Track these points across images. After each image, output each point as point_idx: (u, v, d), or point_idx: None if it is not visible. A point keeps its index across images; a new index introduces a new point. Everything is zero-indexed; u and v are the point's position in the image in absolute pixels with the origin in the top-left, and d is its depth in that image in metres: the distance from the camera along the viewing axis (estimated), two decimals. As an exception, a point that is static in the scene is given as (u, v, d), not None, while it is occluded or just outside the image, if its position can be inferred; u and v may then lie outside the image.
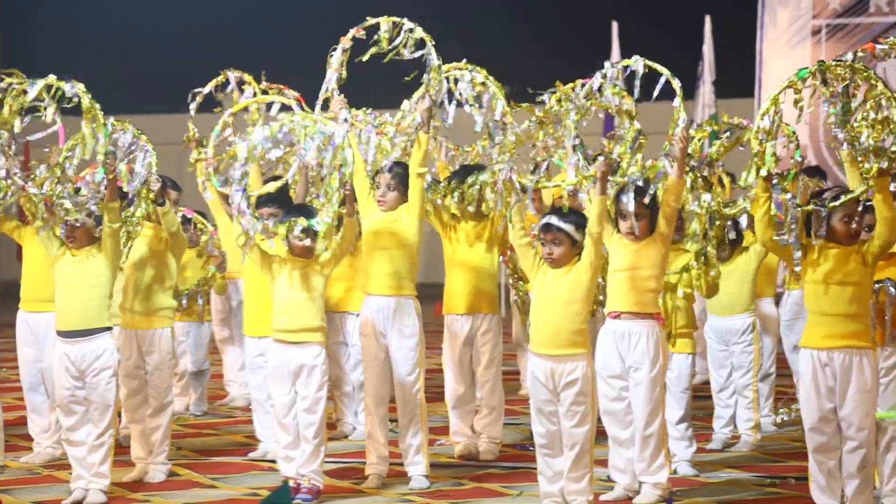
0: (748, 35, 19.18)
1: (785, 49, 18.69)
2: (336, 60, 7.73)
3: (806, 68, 6.60)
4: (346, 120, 7.58)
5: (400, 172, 7.71)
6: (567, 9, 22.26)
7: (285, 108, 8.71)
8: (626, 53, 19.61)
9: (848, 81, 6.48)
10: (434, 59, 7.68)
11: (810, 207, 6.51)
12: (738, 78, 19.67)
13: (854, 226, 6.49)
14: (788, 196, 6.43)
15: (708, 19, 18.51)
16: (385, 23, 7.69)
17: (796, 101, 6.61)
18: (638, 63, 7.26)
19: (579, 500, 6.83)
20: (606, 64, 7.40)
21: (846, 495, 6.52)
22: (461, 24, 22.48)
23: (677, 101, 7.17)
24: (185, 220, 9.28)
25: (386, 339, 7.66)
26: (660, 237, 7.17)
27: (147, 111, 20.84)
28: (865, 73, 6.49)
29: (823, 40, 18.53)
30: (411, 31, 7.70)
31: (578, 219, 6.87)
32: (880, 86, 6.54)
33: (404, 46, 7.69)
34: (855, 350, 6.42)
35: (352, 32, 7.78)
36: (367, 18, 7.73)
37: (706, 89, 18.52)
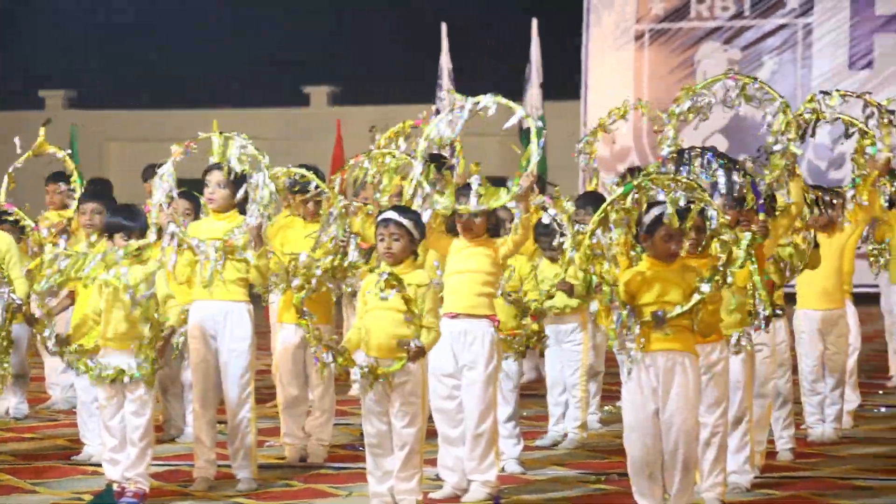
0: (574, 38, 19.48)
1: (609, 52, 19.04)
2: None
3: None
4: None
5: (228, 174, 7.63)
6: (398, 8, 22.33)
7: None
8: (455, 55, 19.76)
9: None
10: None
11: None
12: (564, 80, 19.95)
13: (673, 246, 6.56)
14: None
15: (535, 22, 18.72)
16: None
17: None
18: (487, 100, 7.25)
19: (408, 499, 6.86)
20: (445, 95, 7.40)
21: (668, 493, 6.65)
22: (288, 21, 22.44)
23: (534, 145, 7.11)
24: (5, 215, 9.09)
25: (216, 342, 7.59)
26: (492, 243, 7.27)
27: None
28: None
29: (647, 44, 18.92)
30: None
31: (418, 216, 6.92)
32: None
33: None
34: (678, 352, 6.55)
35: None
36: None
37: (534, 92, 18.72)
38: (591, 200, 9.05)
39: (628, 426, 6.63)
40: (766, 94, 7.42)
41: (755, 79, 7.60)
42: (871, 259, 10.30)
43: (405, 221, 6.86)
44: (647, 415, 6.56)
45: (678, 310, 6.36)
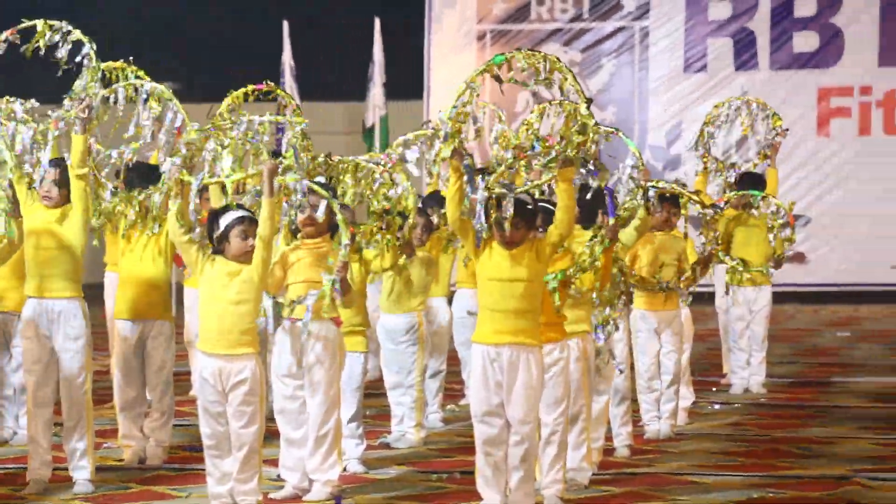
0: (417, 38, 19.53)
1: (451, 53, 19.12)
2: None
3: (502, 55, 6.76)
4: None
5: (63, 170, 7.49)
6: (238, 6, 22.13)
7: None
8: (297, 54, 19.63)
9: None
10: (91, 62, 7.59)
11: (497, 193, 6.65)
12: (407, 80, 20.00)
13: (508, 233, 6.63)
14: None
15: (377, 22, 18.72)
16: (42, 24, 7.59)
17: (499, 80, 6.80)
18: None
19: (248, 500, 6.80)
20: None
21: (510, 487, 6.72)
22: (125, 24, 22.08)
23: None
24: None
25: (51, 341, 7.44)
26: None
27: None
28: (558, 65, 6.70)
29: (488, 45, 19.05)
30: (69, 33, 7.62)
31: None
32: (570, 78, 6.75)
33: (61, 45, 7.60)
34: (522, 347, 6.62)
35: (5, 34, 7.63)
36: (23, 20, 7.63)
37: (377, 91, 18.74)
38: (438, 200, 9.12)
39: (474, 417, 6.70)
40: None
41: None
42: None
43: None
44: (491, 407, 6.63)
45: None
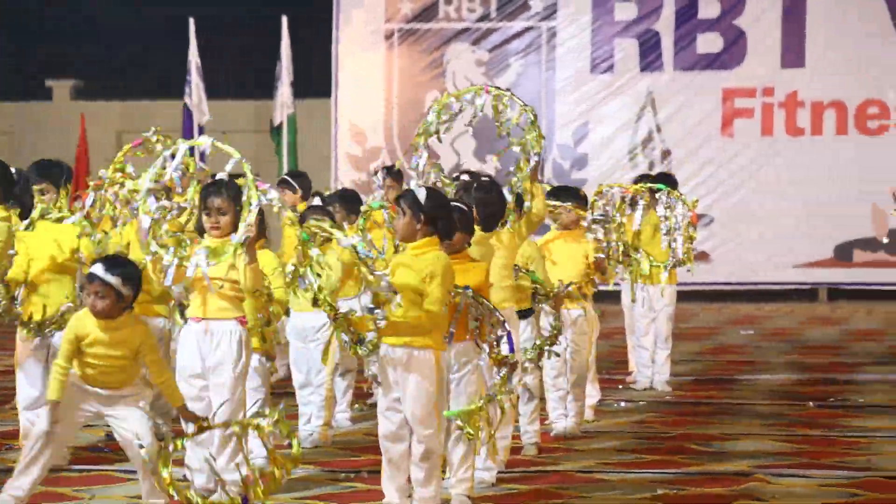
0: (324, 36, 19.48)
1: (360, 51, 19.10)
2: None
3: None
4: None
5: None
6: (145, 3, 21.91)
7: None
8: (203, 52, 19.48)
9: None
10: None
11: None
12: (315, 78, 19.94)
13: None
14: None
15: (285, 19, 18.65)
16: None
17: None
18: (206, 143, 7.16)
19: (156, 501, 6.75)
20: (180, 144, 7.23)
21: (412, 486, 6.73)
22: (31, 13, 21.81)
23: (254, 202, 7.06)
24: None
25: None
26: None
27: None
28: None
29: (396, 44, 19.05)
30: None
31: (129, 270, 6.68)
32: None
33: None
34: (416, 348, 6.64)
35: None
36: None
37: (285, 89, 18.65)
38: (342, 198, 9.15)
39: (379, 412, 6.73)
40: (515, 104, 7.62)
41: (509, 91, 7.86)
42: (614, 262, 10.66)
43: (111, 280, 6.66)
44: (390, 403, 6.65)
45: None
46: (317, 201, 9.44)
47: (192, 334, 7.13)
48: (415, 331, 6.61)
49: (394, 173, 11.19)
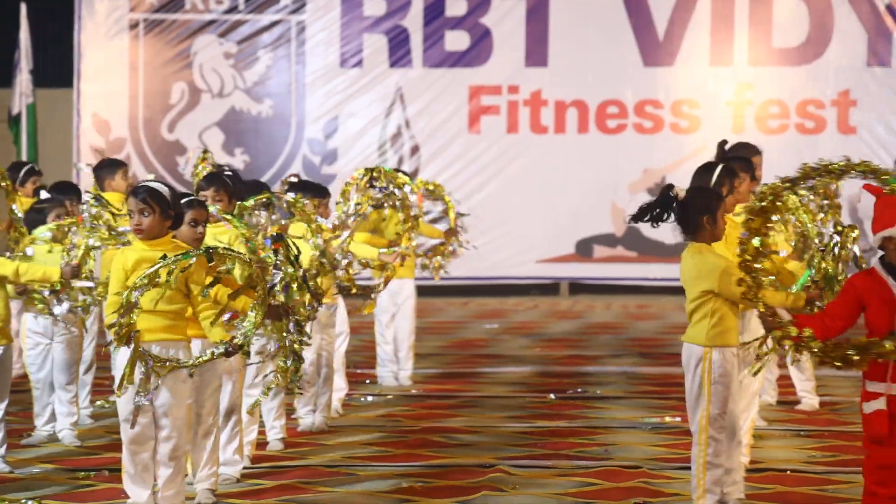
0: (66, 25, 18.99)
1: (103, 41, 18.68)
2: None
3: None
4: None
5: None
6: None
7: None
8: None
9: None
10: None
11: None
12: (56, 68, 19.42)
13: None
14: None
15: (23, 7, 18.11)
16: None
17: None
18: None
19: None
20: None
21: (157, 484, 6.63)
22: None
23: None
24: None
25: None
26: None
27: None
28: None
29: (141, 34, 18.70)
30: None
31: None
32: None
33: None
34: (171, 343, 6.57)
35: None
36: None
37: (23, 78, 18.12)
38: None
39: (122, 417, 6.60)
40: None
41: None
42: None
43: None
44: (142, 403, 6.54)
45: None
46: (44, 194, 9.10)
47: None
48: (172, 326, 6.56)
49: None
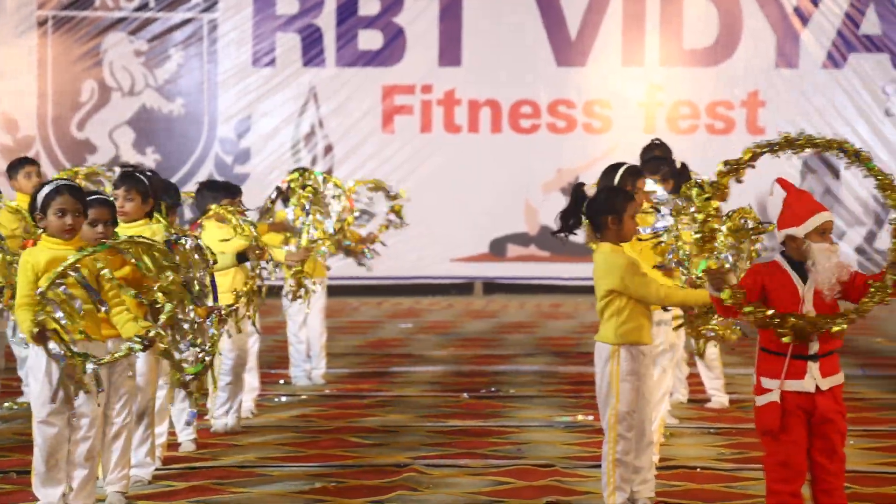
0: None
1: (11, 38, 18.45)
2: None
3: None
4: None
5: None
6: None
7: None
8: None
9: None
10: None
11: None
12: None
13: None
14: None
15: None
16: None
17: None
18: None
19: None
20: None
21: (71, 486, 6.56)
22: None
23: None
24: None
25: None
26: None
27: None
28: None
29: (50, 31, 18.49)
30: None
31: None
32: None
33: None
34: (87, 343, 6.50)
35: None
36: None
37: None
38: None
39: (38, 418, 6.54)
40: None
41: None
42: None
43: None
44: (58, 407, 6.50)
45: None
46: None
47: None
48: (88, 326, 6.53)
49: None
